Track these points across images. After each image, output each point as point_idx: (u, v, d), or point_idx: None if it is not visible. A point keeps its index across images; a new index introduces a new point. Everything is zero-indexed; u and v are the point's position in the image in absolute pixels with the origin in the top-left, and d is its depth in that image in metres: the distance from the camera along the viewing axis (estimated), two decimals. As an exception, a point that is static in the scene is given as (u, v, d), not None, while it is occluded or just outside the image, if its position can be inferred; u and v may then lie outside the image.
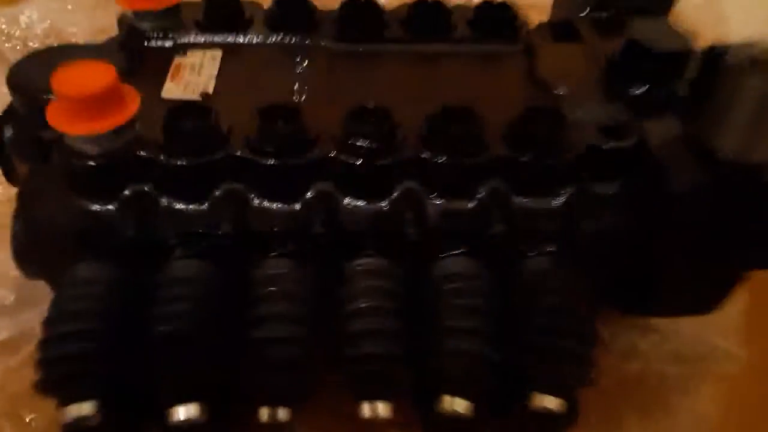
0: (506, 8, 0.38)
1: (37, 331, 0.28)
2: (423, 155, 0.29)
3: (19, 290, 0.34)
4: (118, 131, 0.27)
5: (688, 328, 0.34)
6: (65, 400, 0.25)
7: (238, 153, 0.28)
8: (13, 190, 0.31)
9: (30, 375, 0.31)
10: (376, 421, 0.26)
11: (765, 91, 0.25)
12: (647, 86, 0.32)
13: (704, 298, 0.33)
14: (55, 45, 0.38)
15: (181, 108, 0.29)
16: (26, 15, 0.51)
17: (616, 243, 0.30)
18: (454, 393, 0.26)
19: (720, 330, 0.33)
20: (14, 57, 0.50)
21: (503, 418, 0.28)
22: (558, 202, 0.29)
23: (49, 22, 0.51)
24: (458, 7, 0.39)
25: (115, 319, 0.26)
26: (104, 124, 0.27)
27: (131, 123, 0.28)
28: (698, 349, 0.33)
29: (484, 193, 0.29)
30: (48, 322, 0.26)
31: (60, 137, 0.28)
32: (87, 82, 0.26)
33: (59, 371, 0.25)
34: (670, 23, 0.38)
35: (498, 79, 0.36)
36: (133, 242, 0.28)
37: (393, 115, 0.29)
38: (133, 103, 0.28)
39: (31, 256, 0.29)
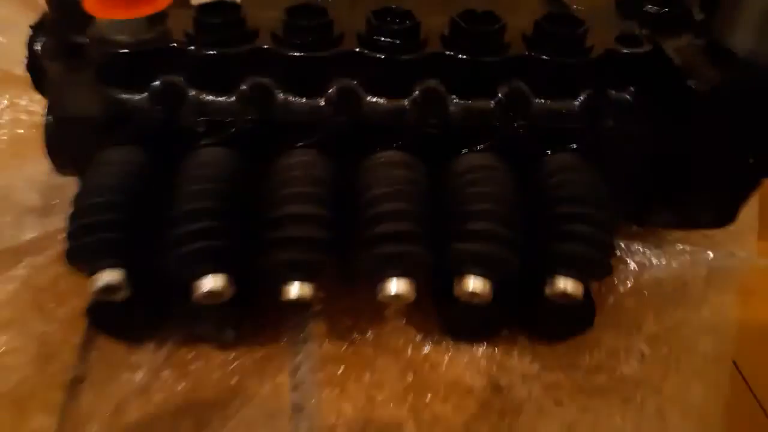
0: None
1: (62, 235, 0.30)
2: (444, 53, 0.29)
3: (47, 195, 0.35)
4: (150, 20, 0.28)
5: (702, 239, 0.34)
6: (94, 268, 0.26)
7: (265, 46, 0.29)
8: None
9: (54, 272, 0.32)
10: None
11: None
12: (660, 4, 0.33)
13: (722, 207, 0.33)
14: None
15: (212, 5, 0.30)
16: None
17: (633, 146, 0.30)
18: (476, 272, 0.27)
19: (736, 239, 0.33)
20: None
21: (523, 309, 0.28)
22: (576, 103, 0.30)
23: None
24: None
25: (141, 196, 0.27)
26: (138, 11, 0.28)
27: (163, 16, 0.29)
28: (716, 257, 0.33)
29: (504, 93, 0.30)
30: (77, 198, 0.27)
31: (93, 33, 0.29)
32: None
33: (88, 239, 0.26)
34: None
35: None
36: (161, 129, 0.28)
37: (416, 16, 0.30)
38: (164, -3, 0.28)
39: (62, 147, 0.30)
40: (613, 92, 0.31)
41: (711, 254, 0.33)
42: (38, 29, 0.33)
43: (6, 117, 0.44)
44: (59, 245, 0.32)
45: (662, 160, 0.31)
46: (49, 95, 0.31)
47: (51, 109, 0.30)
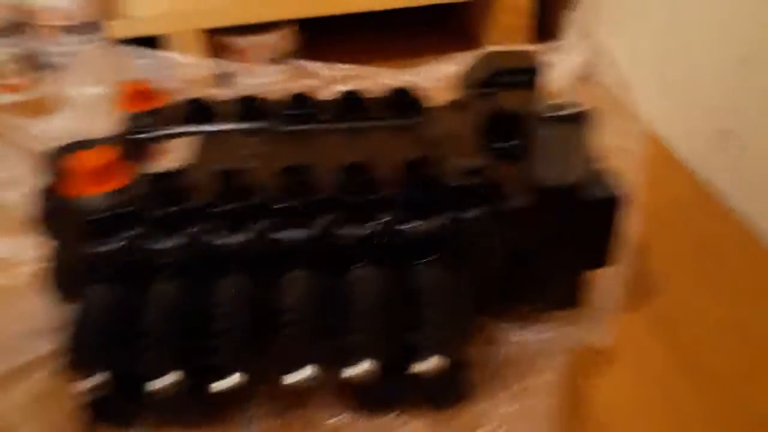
0: (408, 92, 0.51)
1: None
2: (335, 196, 0.40)
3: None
4: (115, 192, 0.39)
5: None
6: (85, 372, 0.36)
7: (200, 205, 0.40)
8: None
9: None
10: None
11: (564, 137, 0.37)
12: (503, 141, 0.44)
13: (562, 295, 0.43)
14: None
15: (162, 173, 0.41)
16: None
17: (484, 252, 0.40)
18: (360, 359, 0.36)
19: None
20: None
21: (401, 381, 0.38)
22: (436, 223, 0.40)
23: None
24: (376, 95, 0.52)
25: (116, 316, 0.37)
26: (106, 186, 0.39)
27: (127, 188, 0.40)
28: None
29: (381, 221, 0.40)
30: (71, 327, 0.37)
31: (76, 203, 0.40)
32: (94, 159, 0.38)
33: (79, 352, 0.36)
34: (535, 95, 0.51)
35: (402, 143, 0.47)
36: (127, 268, 0.39)
37: (312, 170, 0.41)
38: (125, 175, 0.40)
39: (59, 288, 0.41)
40: (469, 212, 0.41)
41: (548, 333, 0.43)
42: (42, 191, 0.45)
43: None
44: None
45: (507, 261, 0.41)
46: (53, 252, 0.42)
47: (51, 257, 0.41)
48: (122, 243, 0.39)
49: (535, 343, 0.42)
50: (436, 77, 0.81)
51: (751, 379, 0.42)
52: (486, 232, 0.40)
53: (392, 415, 0.39)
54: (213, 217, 0.40)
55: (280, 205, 0.40)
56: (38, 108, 0.75)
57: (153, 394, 0.36)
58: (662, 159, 0.66)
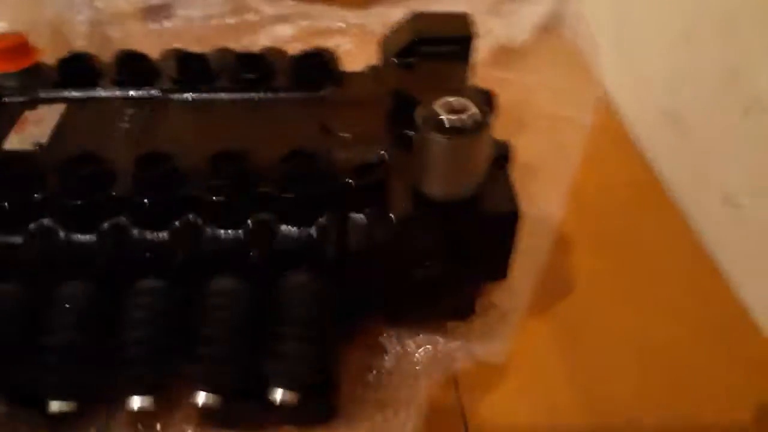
0: (319, 57, 0.45)
1: None
2: (199, 194, 0.35)
3: None
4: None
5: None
6: None
7: (44, 197, 0.35)
8: None
9: None
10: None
11: (455, 148, 0.31)
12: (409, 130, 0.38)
13: (457, 304, 0.39)
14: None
15: (8, 158, 0.36)
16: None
17: (365, 261, 0.36)
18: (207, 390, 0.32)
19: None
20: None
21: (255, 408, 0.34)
22: (313, 229, 0.36)
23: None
24: (280, 57, 0.46)
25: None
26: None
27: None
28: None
29: (251, 223, 0.35)
30: None
31: None
32: None
33: None
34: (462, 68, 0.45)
35: (300, 121, 0.42)
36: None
37: (181, 158, 0.35)
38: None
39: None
40: (354, 214, 0.36)
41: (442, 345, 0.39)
42: None
43: None
44: None
45: (393, 271, 0.36)
46: None
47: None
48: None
49: (422, 353, 0.39)
50: (386, 22, 0.74)
51: (639, 396, 0.39)
52: (369, 240, 0.35)
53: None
54: (58, 212, 0.35)
55: (134, 201, 0.35)
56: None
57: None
58: (611, 135, 0.60)
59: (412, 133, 0.38)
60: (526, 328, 0.42)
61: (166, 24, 0.78)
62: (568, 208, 0.52)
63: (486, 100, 0.44)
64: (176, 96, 0.43)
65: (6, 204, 0.34)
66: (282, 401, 0.32)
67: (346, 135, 0.40)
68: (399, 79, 0.43)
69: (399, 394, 0.36)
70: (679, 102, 0.53)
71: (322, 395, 0.35)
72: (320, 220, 0.36)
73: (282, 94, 0.43)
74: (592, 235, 0.50)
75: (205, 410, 0.33)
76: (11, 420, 0.35)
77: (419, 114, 0.32)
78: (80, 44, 0.73)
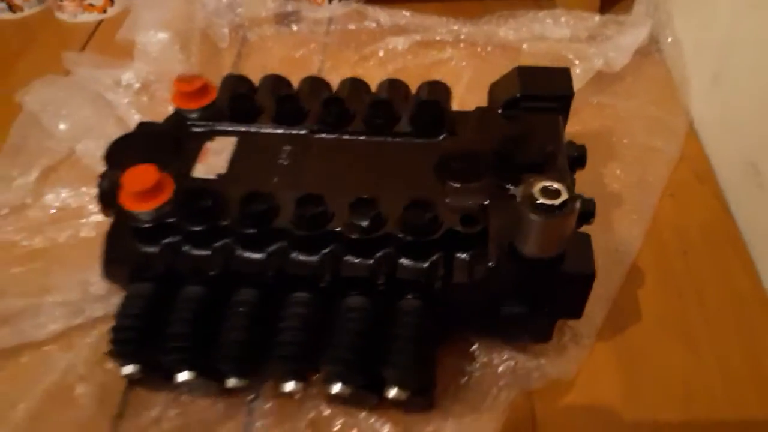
0: (436, 106, 0.53)
1: None
2: (343, 230, 0.45)
3: (109, 285, 0.55)
4: (158, 208, 0.46)
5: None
6: (120, 363, 0.45)
7: (226, 223, 0.46)
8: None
9: None
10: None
11: (551, 225, 0.39)
12: (510, 184, 0.47)
13: (536, 332, 0.48)
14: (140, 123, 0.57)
15: (196, 190, 0.47)
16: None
17: (464, 294, 0.45)
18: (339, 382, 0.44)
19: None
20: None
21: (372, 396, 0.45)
22: (427, 264, 0.45)
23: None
24: (403, 98, 0.55)
25: (150, 319, 0.45)
26: (150, 205, 0.45)
27: (167, 201, 0.46)
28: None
29: (378, 256, 0.46)
30: (116, 317, 0.46)
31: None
32: (140, 181, 0.45)
33: (117, 347, 0.45)
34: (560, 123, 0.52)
35: (417, 167, 0.51)
36: (164, 272, 0.47)
37: (327, 197, 0.46)
38: (167, 190, 0.46)
39: (110, 274, 0.49)
40: (458, 255, 0.46)
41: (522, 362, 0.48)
42: (103, 177, 0.52)
43: (92, 206, 0.64)
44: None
45: (484, 305, 0.46)
46: (105, 240, 0.49)
47: (104, 250, 0.49)
48: (158, 249, 0.47)
49: (504, 367, 0.48)
50: (492, 36, 0.80)
51: (683, 427, 0.47)
52: (469, 277, 0.45)
53: (365, 413, 0.47)
54: (237, 236, 0.46)
55: (294, 232, 0.45)
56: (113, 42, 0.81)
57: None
58: (694, 173, 0.65)
59: (511, 187, 0.47)
60: (593, 351, 0.50)
61: (294, 27, 0.88)
62: (644, 240, 0.59)
63: (581, 154, 0.52)
64: (320, 136, 0.53)
65: (200, 228, 0.46)
66: (394, 397, 0.43)
67: (456, 185, 0.49)
68: (503, 132, 0.51)
69: (486, 399, 0.46)
70: (764, 157, 0.56)
71: (425, 393, 0.45)
72: (432, 257, 0.45)
73: (404, 139, 0.53)
74: (663, 271, 0.57)
75: (336, 396, 0.44)
76: (192, 389, 0.48)
77: (521, 193, 0.40)
78: (223, 45, 0.85)
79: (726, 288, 0.55)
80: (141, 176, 0.45)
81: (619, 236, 0.59)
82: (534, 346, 0.50)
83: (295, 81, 0.61)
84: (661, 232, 0.60)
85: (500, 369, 0.48)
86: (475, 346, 0.50)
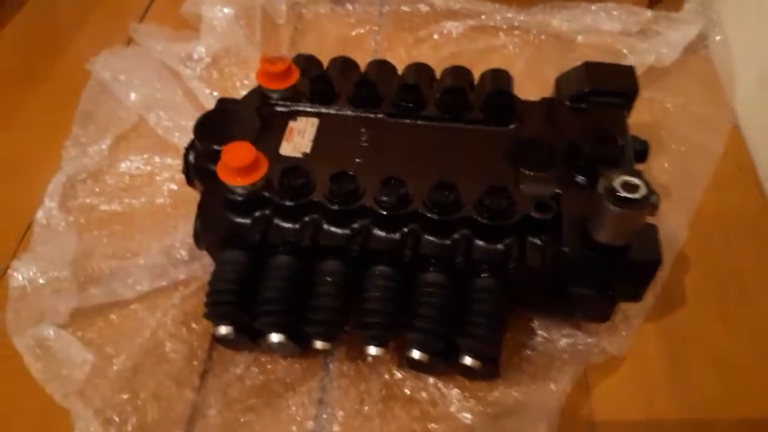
0: (507, 96, 0.56)
1: (200, 275, 0.54)
2: (422, 211, 0.49)
3: (190, 251, 0.58)
4: (254, 183, 0.49)
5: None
6: (216, 323, 0.49)
7: (316, 199, 0.50)
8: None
9: (197, 301, 0.56)
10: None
11: (626, 216, 0.43)
12: (580, 175, 0.50)
13: (598, 313, 0.52)
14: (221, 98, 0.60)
15: (289, 168, 0.50)
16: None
17: (535, 276, 0.49)
18: (419, 350, 0.48)
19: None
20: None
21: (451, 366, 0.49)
22: (502, 246, 0.49)
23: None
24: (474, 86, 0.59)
25: (243, 285, 0.49)
26: (247, 180, 0.49)
27: (262, 177, 0.50)
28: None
29: (457, 236, 0.49)
30: (210, 283, 0.50)
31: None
32: (239, 158, 0.48)
33: (214, 309, 0.49)
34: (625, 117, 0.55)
35: (490, 154, 0.54)
36: (256, 241, 0.50)
37: (408, 180, 0.49)
38: (263, 166, 0.50)
39: (202, 241, 0.53)
40: (530, 239, 0.49)
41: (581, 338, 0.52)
42: (189, 149, 0.56)
43: (165, 174, 0.67)
44: (198, 284, 0.56)
45: (552, 285, 0.49)
46: (198, 208, 0.53)
47: (198, 218, 0.53)
48: (251, 221, 0.50)
49: (564, 342, 0.52)
50: (545, 25, 0.83)
51: (722, 407, 0.51)
52: (542, 261, 0.48)
53: (434, 379, 0.51)
54: (325, 211, 0.50)
55: (378, 211, 0.49)
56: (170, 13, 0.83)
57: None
58: (737, 163, 0.68)
59: (581, 178, 0.50)
60: (642, 330, 0.54)
61: (349, 7, 0.91)
62: (690, 230, 0.63)
63: (643, 149, 0.55)
64: (395, 120, 0.57)
65: (292, 203, 0.50)
66: (471, 365, 0.47)
67: (529, 173, 0.52)
68: (572, 123, 0.55)
69: (550, 371, 0.50)
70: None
71: (493, 363, 0.50)
72: (506, 240, 0.49)
73: (476, 126, 0.56)
74: (707, 258, 0.61)
75: (415, 362, 0.49)
76: (278, 350, 0.52)
77: (603, 185, 0.43)
78: (280, 22, 0.87)
79: (765, 274, 0.59)
80: (240, 153, 0.49)
81: (666, 225, 0.63)
82: (588, 324, 0.54)
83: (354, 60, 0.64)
84: (705, 222, 0.64)
85: (561, 344, 0.52)
86: (534, 323, 0.54)
